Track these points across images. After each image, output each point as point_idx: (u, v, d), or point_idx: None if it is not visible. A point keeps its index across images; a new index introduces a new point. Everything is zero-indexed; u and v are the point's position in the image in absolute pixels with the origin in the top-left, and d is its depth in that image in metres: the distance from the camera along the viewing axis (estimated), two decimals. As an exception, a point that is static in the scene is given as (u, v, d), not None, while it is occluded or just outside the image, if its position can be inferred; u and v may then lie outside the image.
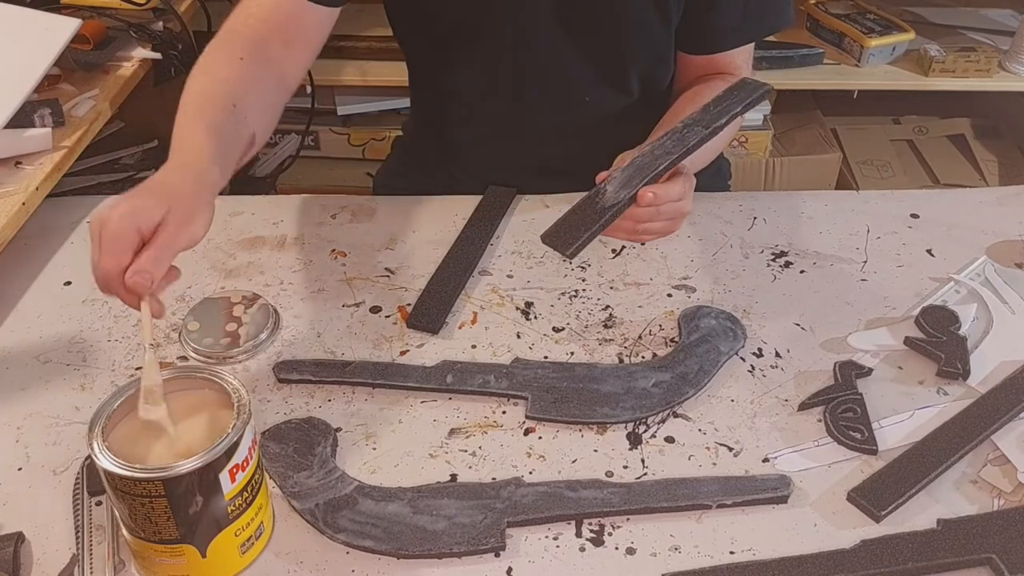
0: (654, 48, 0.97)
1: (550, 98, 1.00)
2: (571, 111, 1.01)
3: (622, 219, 0.74)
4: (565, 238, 0.71)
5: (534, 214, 1.01)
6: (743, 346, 0.83)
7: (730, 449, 0.73)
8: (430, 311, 0.86)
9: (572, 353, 0.83)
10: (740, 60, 0.97)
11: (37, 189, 0.94)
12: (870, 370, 0.80)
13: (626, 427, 0.75)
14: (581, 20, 0.93)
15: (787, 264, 0.93)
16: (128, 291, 0.61)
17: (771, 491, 0.69)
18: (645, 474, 0.71)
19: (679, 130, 0.76)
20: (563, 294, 0.90)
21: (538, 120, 1.03)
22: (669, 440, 0.74)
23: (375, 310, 0.88)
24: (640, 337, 0.84)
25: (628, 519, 0.68)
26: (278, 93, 0.86)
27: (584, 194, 0.75)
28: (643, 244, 0.94)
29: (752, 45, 0.98)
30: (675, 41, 0.98)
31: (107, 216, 0.62)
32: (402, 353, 0.83)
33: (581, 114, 1.01)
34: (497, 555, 0.65)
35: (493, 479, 0.71)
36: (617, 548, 0.66)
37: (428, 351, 0.83)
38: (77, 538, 0.66)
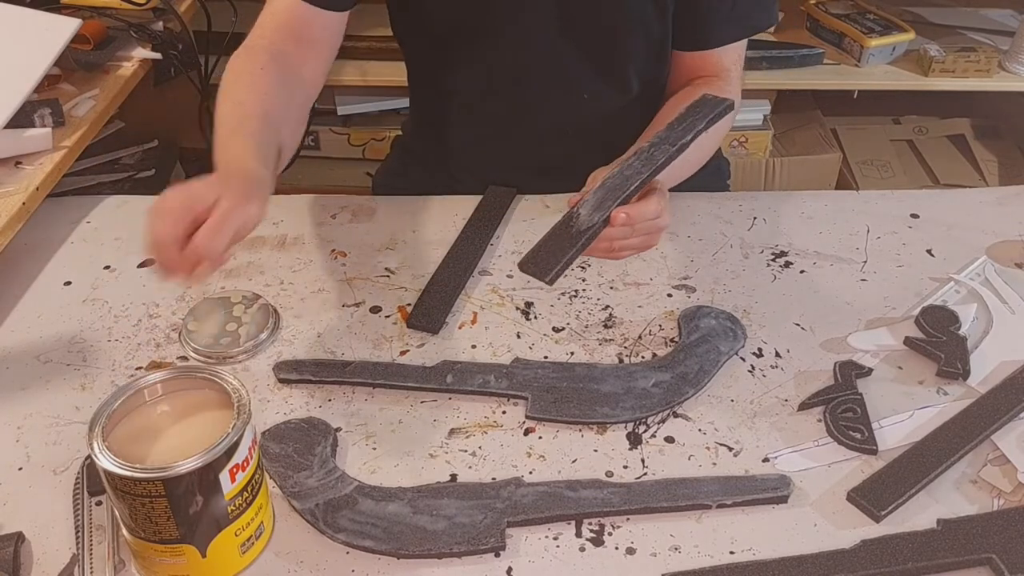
0: (652, 45, 0.97)
1: (550, 98, 1.00)
2: (571, 110, 1.01)
3: (598, 240, 0.75)
4: (543, 265, 0.72)
5: (534, 214, 1.01)
6: (743, 346, 0.83)
7: (730, 449, 0.73)
8: (430, 311, 0.86)
9: (572, 353, 0.83)
10: (729, 61, 0.97)
11: (37, 189, 0.94)
12: (870, 370, 0.80)
13: (626, 427, 0.75)
14: (581, 19, 0.94)
15: (787, 264, 0.93)
16: (183, 260, 0.64)
17: (771, 491, 0.69)
18: (645, 474, 0.71)
19: (647, 150, 0.78)
20: (563, 294, 0.90)
21: (538, 120, 1.03)
22: (669, 440, 0.74)
23: (375, 310, 0.88)
24: (640, 337, 0.84)
25: (628, 519, 0.68)
26: (302, 97, 0.90)
27: (558, 219, 0.75)
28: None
29: (743, 46, 0.98)
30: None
31: (161, 195, 0.66)
32: (402, 353, 0.83)
33: (581, 113, 1.01)
34: (497, 555, 0.65)
35: (493, 479, 0.71)
36: (617, 548, 0.66)
37: (428, 351, 0.83)
38: (77, 538, 0.66)
